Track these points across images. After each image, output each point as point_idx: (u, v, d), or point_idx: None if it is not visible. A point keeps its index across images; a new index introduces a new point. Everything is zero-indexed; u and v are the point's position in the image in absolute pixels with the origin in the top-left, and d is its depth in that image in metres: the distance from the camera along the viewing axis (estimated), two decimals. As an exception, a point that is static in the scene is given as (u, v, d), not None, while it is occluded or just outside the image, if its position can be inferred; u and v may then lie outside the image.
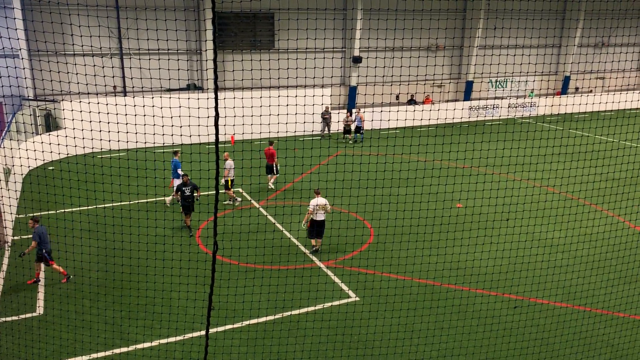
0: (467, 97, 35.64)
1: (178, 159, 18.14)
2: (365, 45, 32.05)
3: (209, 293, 4.97)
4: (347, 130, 27.86)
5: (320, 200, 14.28)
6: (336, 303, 12.11)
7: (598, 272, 13.59)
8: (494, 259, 13.71)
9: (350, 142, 27.83)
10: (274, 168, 20.00)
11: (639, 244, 15.34)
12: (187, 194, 15.61)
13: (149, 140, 23.47)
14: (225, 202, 18.31)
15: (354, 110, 29.59)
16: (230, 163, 18.05)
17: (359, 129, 27.93)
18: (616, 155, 24.53)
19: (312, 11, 29.98)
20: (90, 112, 18.88)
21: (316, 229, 14.40)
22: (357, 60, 31.22)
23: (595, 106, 37.01)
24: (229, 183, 18.15)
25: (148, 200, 18.21)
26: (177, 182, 17.61)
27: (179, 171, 17.64)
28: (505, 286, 12.84)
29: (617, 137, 28.40)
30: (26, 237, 15.55)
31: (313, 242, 14.74)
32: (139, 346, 10.42)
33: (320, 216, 14.33)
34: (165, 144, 24.21)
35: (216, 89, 4.34)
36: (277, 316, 11.52)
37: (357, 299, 12.34)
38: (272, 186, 20.23)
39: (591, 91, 40.26)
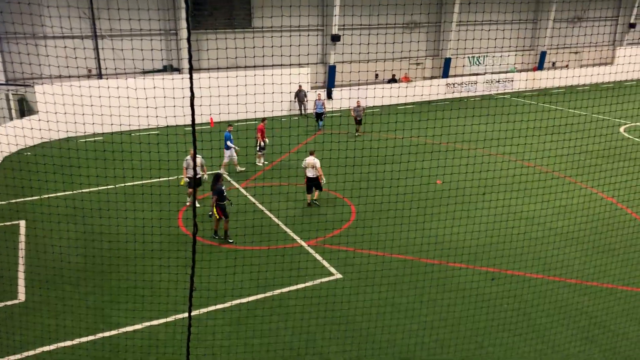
0: (446, 74, 35.74)
1: (230, 132, 19.30)
2: (343, 23, 31.81)
3: (190, 274, 5.00)
4: (357, 121, 25.21)
5: (308, 159, 16.03)
6: (319, 281, 12.24)
7: (573, 243, 13.96)
8: (471, 233, 13.96)
9: (358, 134, 25.07)
10: (260, 145, 20.57)
11: (611, 214, 15.75)
12: (225, 201, 14.38)
13: (127, 123, 23.23)
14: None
15: (315, 94, 28.57)
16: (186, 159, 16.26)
17: (320, 115, 25.87)
18: (589, 128, 24.98)
19: (288, -12, 29.57)
20: (64, 95, 18.49)
21: (307, 184, 16.13)
22: (335, 38, 31.01)
23: (570, 80, 37.48)
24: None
25: (126, 184, 18.02)
26: (227, 153, 19.13)
27: (229, 143, 19.02)
28: (483, 259, 13.11)
29: (589, 110, 28.87)
30: (9, 223, 15.34)
31: (308, 197, 16.34)
32: (124, 329, 10.43)
33: (309, 173, 15.98)
34: (141, 126, 23.90)
35: (191, 69, 4.31)
36: (260, 295, 11.62)
37: (340, 276, 12.49)
38: (260, 164, 20.78)
39: (567, 66, 40.70)
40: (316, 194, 16.70)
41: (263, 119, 20.80)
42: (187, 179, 16.05)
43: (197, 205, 16.29)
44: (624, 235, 14.21)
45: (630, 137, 24.67)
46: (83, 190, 17.25)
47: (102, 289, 11.92)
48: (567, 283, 12.17)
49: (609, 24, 42.21)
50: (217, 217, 14.05)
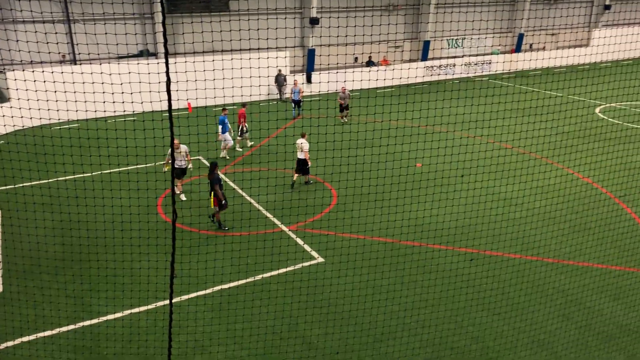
0: (425, 56, 35.77)
1: (225, 115, 19.33)
2: (322, 5, 31.53)
3: (170, 261, 4.95)
4: (342, 107, 24.53)
5: (298, 141, 16.54)
6: (301, 265, 12.27)
7: (550, 223, 14.21)
8: (451, 215, 14.12)
9: (345, 119, 24.49)
10: (242, 130, 20.62)
11: (587, 194, 16.05)
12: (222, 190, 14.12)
13: (103, 109, 22.77)
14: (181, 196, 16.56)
15: (292, 81, 28.16)
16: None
17: (297, 103, 25.08)
18: (566, 109, 25.32)
19: (265, -29, 29.17)
20: (36, 81, 18.08)
21: (297, 166, 16.66)
22: (314, 21, 30.75)
23: (547, 62, 37.83)
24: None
25: (103, 171, 17.76)
26: (225, 137, 19.22)
27: (223, 126, 19.09)
28: (462, 240, 13.27)
29: (566, 91, 29.22)
30: (-23, 214, 15.01)
31: (295, 176, 16.75)
32: (105, 318, 10.36)
33: (299, 155, 16.50)
34: (117, 112, 23.51)
35: (166, 54, 4.22)
36: (242, 281, 11.62)
37: (322, 260, 12.54)
38: (240, 149, 20.83)
39: (544, 48, 41.03)
40: (295, 176, 16.87)
41: (243, 104, 20.71)
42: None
43: (179, 193, 16.12)
44: (599, 214, 14.50)
45: (606, 117, 25.07)
46: (59, 179, 16.96)
47: (81, 277, 11.78)
48: (544, 262, 12.40)
49: (584, 5, 42.58)
50: (212, 206, 13.85)
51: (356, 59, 33.64)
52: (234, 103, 26.27)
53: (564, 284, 11.53)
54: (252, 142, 21.14)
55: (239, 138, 20.73)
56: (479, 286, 11.38)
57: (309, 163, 16.77)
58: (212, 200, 13.77)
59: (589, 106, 26.96)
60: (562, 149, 19.27)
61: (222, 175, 17.84)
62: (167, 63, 4.25)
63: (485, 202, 15.17)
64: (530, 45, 40.70)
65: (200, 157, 19.50)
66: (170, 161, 15.29)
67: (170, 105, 4.39)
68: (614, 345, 9.73)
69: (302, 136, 16.81)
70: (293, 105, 25.24)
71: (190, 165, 16.27)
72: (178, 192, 16.10)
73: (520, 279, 11.64)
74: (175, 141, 15.56)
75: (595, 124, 23.38)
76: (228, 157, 19.77)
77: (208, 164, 18.55)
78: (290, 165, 18.24)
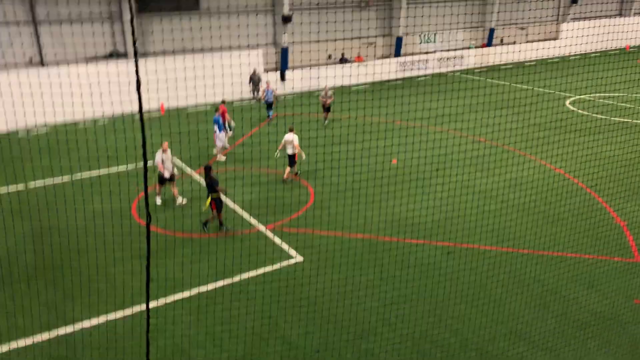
0: (398, 52, 35.92)
1: (218, 115, 18.98)
2: (294, 2, 31.39)
3: (146, 265, 4.85)
4: (325, 108, 23.61)
5: (287, 136, 16.58)
6: (279, 265, 12.21)
7: (525, 214, 14.41)
8: (428, 209, 14.21)
9: (326, 122, 23.53)
10: (226, 126, 20.43)
11: (560, 185, 16.33)
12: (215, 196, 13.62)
13: (73, 112, 22.34)
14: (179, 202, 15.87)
15: (263, 81, 27.73)
16: (160, 156, 15.05)
17: (270, 105, 24.27)
18: (536, 101, 25.72)
19: (235, -31, 28.93)
20: (1, 85, 17.61)
21: (289, 161, 16.74)
22: (287, 19, 30.60)
23: (517, 56, 38.35)
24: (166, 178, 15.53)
25: (73, 176, 17.40)
26: (220, 137, 18.87)
27: (218, 126, 18.77)
28: (440, 234, 13.37)
29: (536, 84, 29.69)
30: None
31: (287, 170, 16.87)
32: (81, 325, 10.14)
33: (289, 150, 16.63)
34: (88, 115, 23.08)
35: (136, 54, 4.12)
36: (220, 283, 11.49)
37: (301, 259, 12.49)
38: (227, 144, 20.63)
39: (514, 42, 41.59)
40: (287, 170, 16.94)
41: (223, 101, 20.78)
42: (167, 175, 15.11)
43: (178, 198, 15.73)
44: (572, 204, 14.76)
45: (575, 109, 25.55)
46: (29, 185, 16.55)
47: (56, 285, 11.50)
48: (520, 253, 12.57)
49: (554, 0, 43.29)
50: (210, 209, 13.55)
51: (330, 55, 33.61)
52: (206, 103, 26.01)
53: (540, 274, 11.70)
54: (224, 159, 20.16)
55: (230, 133, 20.72)
56: (457, 279, 11.48)
57: (303, 156, 17.11)
58: (207, 203, 13.43)
59: (559, 98, 27.44)
60: (534, 140, 19.57)
61: (196, 176, 17.64)
62: (136, 63, 4.14)
63: (461, 196, 15.31)
64: (501, 39, 41.22)
65: (220, 157, 19.28)
66: (162, 170, 14.91)
67: (140, 106, 4.29)
68: (590, 333, 9.91)
69: (290, 130, 16.84)
70: (266, 106, 24.60)
71: (175, 171, 15.73)
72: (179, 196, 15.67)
73: (497, 271, 11.78)
74: (165, 144, 15.15)
75: (565, 115, 23.80)
76: (225, 158, 19.42)
77: (183, 166, 18.32)
78: (266, 164, 18.17)
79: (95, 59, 25.98)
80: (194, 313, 10.48)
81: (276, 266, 12.14)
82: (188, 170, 18.32)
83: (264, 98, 24.48)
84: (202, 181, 17.20)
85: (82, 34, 23.94)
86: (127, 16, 26.82)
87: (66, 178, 17.08)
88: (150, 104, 23.07)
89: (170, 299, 10.94)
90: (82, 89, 16.66)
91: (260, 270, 11.93)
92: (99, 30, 26.02)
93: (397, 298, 10.86)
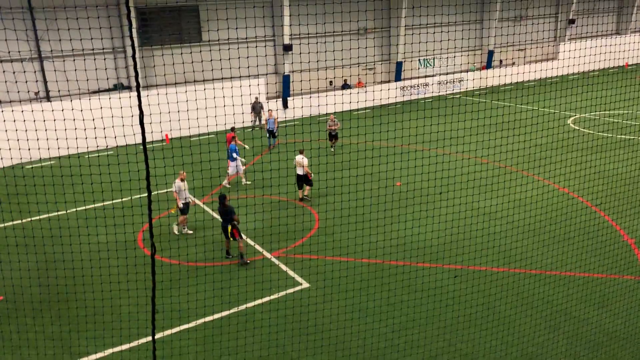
0: (398, 77, 36.26)
1: (234, 143, 19.20)
2: (295, 32, 31.88)
3: (151, 297, 4.83)
4: (331, 136, 23.65)
5: (297, 158, 17.18)
6: (287, 292, 12.11)
7: (531, 235, 14.31)
8: (434, 232, 14.13)
9: (332, 149, 23.67)
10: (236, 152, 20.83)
11: (565, 204, 16.24)
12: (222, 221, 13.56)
13: (78, 146, 22.53)
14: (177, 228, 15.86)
15: (265, 110, 27.87)
16: (179, 184, 15.24)
17: (273, 133, 24.32)
18: (539, 122, 25.78)
19: (238, 1, 29.47)
20: (5, 121, 17.83)
21: (297, 182, 17.36)
22: (287, 48, 31.04)
23: (518, 77, 38.63)
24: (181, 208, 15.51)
25: (78, 208, 17.45)
26: (232, 164, 18.98)
27: (234, 155, 18.95)
28: (447, 257, 13.27)
29: (538, 104, 29.81)
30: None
31: (300, 193, 17.49)
32: (87, 358, 10.04)
33: (299, 171, 17.23)
34: (93, 148, 23.29)
35: (138, 87, 4.18)
36: (227, 312, 11.40)
37: (308, 285, 12.39)
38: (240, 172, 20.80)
39: (514, 63, 41.96)
40: (307, 189, 17.59)
41: (232, 128, 21.35)
42: (181, 205, 15.13)
43: (184, 228, 15.70)
44: (579, 223, 14.66)
45: (578, 128, 25.58)
46: (33, 218, 16.60)
47: (62, 318, 11.44)
48: (529, 274, 12.44)
49: (550, 20, 43.81)
50: (233, 238, 13.42)
51: (331, 82, 33.95)
52: (209, 132, 26.23)
53: (549, 295, 11.55)
54: (250, 182, 20.31)
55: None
56: (465, 302, 11.35)
57: (312, 176, 17.51)
58: (230, 232, 13.28)
59: (562, 117, 27.50)
60: (538, 160, 19.55)
61: (202, 205, 17.66)
62: (139, 97, 4.21)
63: (467, 218, 15.24)
64: (501, 61, 41.59)
65: (225, 182, 19.33)
66: (178, 200, 14.96)
67: (144, 138, 4.34)
68: (603, 354, 9.73)
69: (301, 152, 17.40)
70: (268, 135, 24.51)
71: (191, 200, 15.68)
72: (182, 227, 15.57)
73: (506, 293, 11.64)
74: (183, 173, 15.27)
75: (568, 134, 23.82)
76: (229, 186, 19.53)
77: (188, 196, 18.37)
78: (269, 192, 18.20)
79: (99, 92, 26.34)
80: (201, 343, 10.37)
81: (283, 293, 12.04)
82: (195, 200, 18.34)
83: (267, 127, 24.58)
84: (208, 209, 17.22)
85: (86, 68, 24.31)
86: (130, 51, 27.27)
87: (71, 210, 17.13)
88: (155, 134, 23.28)
89: (177, 329, 10.85)
90: (86, 122, 16.84)
91: (267, 298, 11.84)
92: (102, 64, 26.43)
93: (406, 323, 10.72)
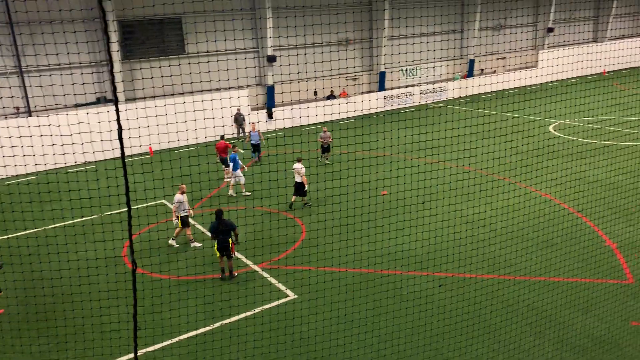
0: (382, 87, 36.56)
1: (235, 153, 19.43)
2: (278, 43, 32.06)
3: (133, 313, 4.81)
4: (324, 148, 23.28)
5: (295, 166, 17.50)
6: (274, 304, 12.09)
7: (516, 242, 14.45)
8: (419, 241, 14.22)
9: (327, 161, 23.37)
10: (227, 160, 21.20)
11: (549, 210, 16.45)
12: (223, 239, 13.05)
13: (62, 160, 22.36)
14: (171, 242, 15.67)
15: (247, 124, 27.88)
16: (179, 197, 15.15)
17: (257, 147, 23.73)
18: (521, 129, 26.13)
19: (220, 13, 29.60)
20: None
21: (295, 187, 17.66)
22: (271, 59, 31.18)
23: (499, 85, 39.17)
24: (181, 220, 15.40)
25: (60, 224, 17.28)
26: (236, 174, 19.14)
27: (240, 163, 19.29)
28: (433, 265, 13.35)
29: (520, 112, 30.22)
30: None
31: (293, 198, 17.76)
32: (71, 377, 9.90)
33: (297, 178, 17.52)
34: (76, 162, 23.09)
35: (116, 101, 4.20)
36: (214, 326, 11.34)
37: (295, 296, 12.38)
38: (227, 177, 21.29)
39: (494, 72, 42.54)
40: (293, 198, 17.78)
41: (222, 137, 21.79)
42: (175, 220, 15.07)
43: (175, 244, 15.66)
44: (562, 229, 14.85)
45: (560, 135, 25.97)
46: (9, 236, 16.39)
47: (47, 338, 11.29)
48: (515, 281, 12.56)
49: (529, 29, 44.54)
50: (230, 256, 13.09)
51: (315, 93, 34.11)
52: (197, 144, 26.21)
53: (535, 301, 11.67)
54: (249, 193, 20.10)
55: (227, 169, 21.26)
56: (452, 310, 11.41)
57: (306, 185, 17.55)
58: (230, 247, 13.02)
59: (543, 125, 27.91)
60: (521, 168, 19.79)
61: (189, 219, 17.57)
62: (117, 110, 4.22)
63: (452, 226, 15.36)
64: (482, 70, 42.14)
65: (164, 201, 19.21)
66: (176, 212, 14.90)
67: (123, 152, 4.35)
68: (589, 358, 9.84)
69: (298, 161, 17.70)
70: (252, 149, 24.00)
71: (191, 212, 15.56)
72: (190, 241, 15.49)
73: (492, 300, 11.74)
74: (183, 186, 15.20)
75: (550, 141, 24.17)
76: (235, 194, 19.59)
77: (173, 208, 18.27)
78: (251, 204, 18.23)
79: (81, 106, 26.18)
80: (185, 358, 10.29)
81: (270, 305, 12.01)
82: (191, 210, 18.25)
83: (249, 140, 24.06)
84: (193, 222, 17.14)
85: (69, 83, 24.21)
86: (117, 65, 27.18)
87: (56, 225, 16.95)
88: (139, 147, 23.19)
89: (162, 344, 10.75)
90: (68, 137, 16.73)
91: (255, 311, 11.80)
92: (85, 78, 26.32)
93: (393, 333, 10.75)
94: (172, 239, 15.43)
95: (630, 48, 45.98)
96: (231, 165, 19.19)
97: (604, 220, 15.49)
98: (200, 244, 15.39)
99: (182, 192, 15.08)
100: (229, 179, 20.21)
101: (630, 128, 25.87)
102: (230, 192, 19.55)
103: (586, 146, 23.51)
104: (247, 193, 19.52)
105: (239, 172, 19.22)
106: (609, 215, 15.76)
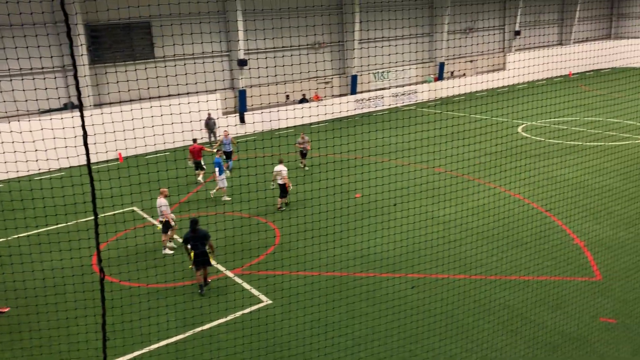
0: (354, 90, 36.70)
1: (219, 157, 19.27)
2: (249, 47, 31.88)
3: (102, 323, 4.66)
4: (303, 154, 22.69)
5: (276, 168, 17.35)
6: (249, 310, 11.95)
7: (488, 241, 14.64)
8: (394, 242, 14.28)
9: (306, 168, 22.59)
10: (201, 164, 21.38)
11: (519, 210, 16.72)
12: (199, 249, 12.49)
13: (24, 168, 21.75)
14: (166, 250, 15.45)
15: (218, 128, 27.50)
16: (163, 201, 14.87)
17: (229, 154, 22.65)
18: (491, 131, 26.56)
19: (190, 17, 29.28)
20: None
21: (281, 191, 17.55)
22: (243, 63, 30.98)
23: (468, 88, 39.76)
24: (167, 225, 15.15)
25: (24, 234, 16.80)
26: (221, 177, 18.86)
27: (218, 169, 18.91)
28: (407, 267, 13.41)
29: (489, 114, 30.71)
30: None
31: (279, 201, 17.69)
32: (38, 392, 9.59)
33: (279, 180, 17.32)
34: (40, 170, 22.52)
35: (81, 107, 4.07)
36: (187, 334, 11.14)
37: (270, 302, 12.27)
38: (201, 180, 21.26)
39: (464, 74, 43.16)
40: (279, 200, 17.76)
41: (194, 140, 21.59)
42: (159, 224, 14.88)
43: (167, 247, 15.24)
44: (532, 228, 15.10)
45: (528, 135, 26.46)
46: (-19, 245, 15.87)
47: (10, 351, 10.91)
48: (487, 280, 12.70)
49: (497, 32, 45.36)
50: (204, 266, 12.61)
51: (288, 96, 34.04)
52: (166, 149, 25.85)
53: (507, 300, 11.82)
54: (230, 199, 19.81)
55: (197, 171, 21.35)
56: (426, 311, 11.47)
57: (290, 187, 17.59)
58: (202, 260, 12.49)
59: (512, 126, 28.41)
60: (491, 168, 20.09)
61: (159, 225, 17.27)
62: (82, 116, 4.09)
63: (426, 227, 15.47)
64: (452, 72, 42.71)
65: (134, 208, 18.86)
66: (168, 215, 14.70)
67: (88, 159, 4.21)
68: (560, 355, 10.00)
69: (280, 162, 17.50)
70: (224, 157, 22.41)
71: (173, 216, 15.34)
72: (166, 246, 15.22)
73: (465, 300, 11.84)
74: (165, 190, 14.96)
75: (519, 142, 24.60)
76: (214, 198, 19.45)
77: (144, 214, 17.97)
78: (223, 210, 18.05)
79: (47, 112, 25.56)
80: (161, 368, 10.09)
81: (245, 311, 11.87)
82: (151, 219, 17.95)
83: (217, 148, 22.25)
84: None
85: (32, 87, 23.57)
86: (80, 69, 26.61)
87: (20, 235, 16.47)
88: (108, 153, 22.73)
89: (133, 354, 10.51)
90: (35, 144, 16.31)
91: (229, 317, 11.64)
92: (50, 83, 25.69)
93: (367, 336, 10.74)
94: (165, 248, 15.16)
95: (594, 50, 47.30)
96: (217, 169, 18.93)
97: (572, 219, 15.82)
98: (172, 252, 15.14)
99: (165, 196, 14.89)
100: (221, 182, 19.78)
101: (594, 128, 26.54)
102: (213, 192, 19.45)
103: (553, 146, 24.01)
104: (227, 198, 19.31)
105: (223, 176, 19.03)
106: (576, 214, 16.10)
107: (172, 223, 14.98)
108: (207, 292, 12.69)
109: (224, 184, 19.09)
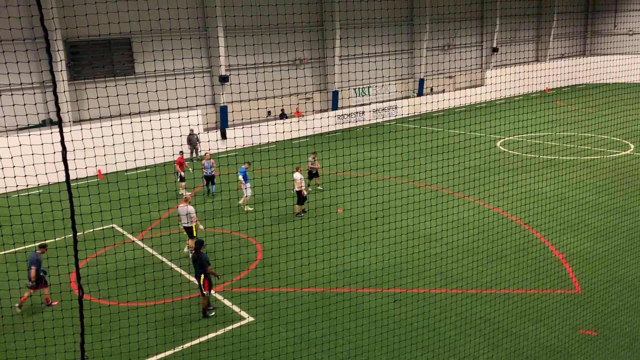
0: (335, 106, 36.93)
1: (245, 167, 19.35)
2: (230, 63, 31.95)
3: (80, 342, 4.58)
4: (311, 174, 21.57)
5: (295, 175, 18.15)
6: (230, 327, 11.83)
7: (469, 255, 14.75)
8: (375, 257, 14.31)
9: (320, 188, 21.65)
10: (183, 176, 21.72)
11: (498, 223, 16.90)
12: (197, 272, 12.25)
13: (6, 185, 21.39)
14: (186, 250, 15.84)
15: (203, 153, 26.96)
16: (189, 208, 15.27)
17: (211, 178, 21.54)
18: (470, 145, 26.90)
19: (170, 32, 29.27)
20: None
21: (298, 198, 18.28)
22: (224, 79, 31.01)
23: (447, 103, 40.30)
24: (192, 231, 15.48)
25: (1, 252, 16.47)
26: (247, 186, 19.18)
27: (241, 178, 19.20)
28: (388, 281, 13.43)
29: (468, 129, 31.14)
30: None
31: (296, 208, 18.35)
32: (13, 415, 9.33)
33: (296, 187, 18.09)
34: (18, 187, 22.14)
35: (60, 123, 4.05)
36: (167, 353, 10.98)
37: (252, 319, 12.16)
38: (182, 192, 21.26)
39: (443, 90, 43.77)
40: (297, 207, 18.35)
41: (181, 152, 21.91)
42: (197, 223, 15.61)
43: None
44: (512, 241, 15.27)
45: (506, 150, 26.86)
46: (-45, 264, 15.49)
47: (-15, 372, 10.64)
48: (468, 294, 12.77)
49: (475, 49, 46.17)
50: (201, 292, 12.20)
51: (269, 112, 34.11)
52: (147, 165, 25.63)
53: (488, 313, 11.89)
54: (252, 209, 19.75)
55: (181, 183, 21.43)
56: (408, 325, 11.48)
57: (304, 193, 18.19)
58: (202, 284, 12.10)
59: (490, 140, 28.82)
60: (471, 182, 20.31)
61: (138, 242, 17.08)
62: (61, 132, 4.07)
63: (407, 241, 15.54)
64: (431, 88, 43.28)
65: (114, 225, 18.62)
66: (197, 221, 15.17)
67: (67, 175, 4.18)
68: (541, 367, 10.07)
69: (297, 170, 18.23)
70: (205, 181, 21.80)
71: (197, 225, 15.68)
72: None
73: (447, 313, 11.88)
74: (188, 195, 15.64)
75: (497, 156, 24.95)
76: (251, 209, 19.63)
77: (123, 231, 17.75)
78: (207, 224, 17.93)
79: (25, 128, 25.21)
80: (141, 388, 9.91)
81: (227, 329, 11.75)
82: (130, 236, 17.73)
83: (204, 171, 21.62)
84: (144, 246, 16.67)
85: (11, 105, 23.27)
86: (60, 85, 26.37)
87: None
88: (87, 170, 22.46)
89: (115, 375, 10.31)
90: (12, 160, 16.06)
91: (211, 335, 11.51)
92: (29, 99, 25.40)
93: (351, 351, 10.70)
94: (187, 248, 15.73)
95: (569, 66, 48.39)
96: (241, 177, 19.17)
97: (551, 232, 16.04)
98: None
99: (189, 202, 15.47)
100: (183, 191, 20.19)
101: (569, 142, 27.06)
102: (241, 201, 19.70)
103: (530, 160, 24.40)
104: (250, 208, 19.42)
105: (249, 184, 19.32)
106: (555, 227, 16.33)
107: (201, 227, 15.76)
108: (186, 309, 12.52)
109: (249, 193, 19.38)
